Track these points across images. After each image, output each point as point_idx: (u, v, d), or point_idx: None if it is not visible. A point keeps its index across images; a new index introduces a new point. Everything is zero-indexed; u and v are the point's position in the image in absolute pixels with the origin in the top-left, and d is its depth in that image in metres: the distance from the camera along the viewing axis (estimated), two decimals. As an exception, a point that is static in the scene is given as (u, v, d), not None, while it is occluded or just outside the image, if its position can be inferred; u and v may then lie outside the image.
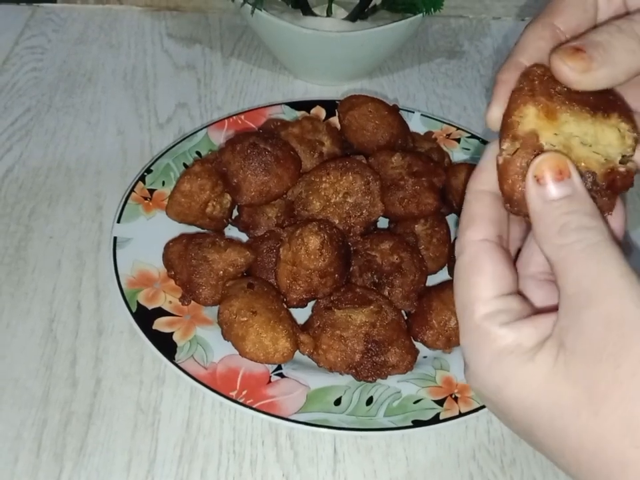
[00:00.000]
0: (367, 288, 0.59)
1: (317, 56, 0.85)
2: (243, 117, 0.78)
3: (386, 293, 0.59)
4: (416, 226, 0.64)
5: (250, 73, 0.92)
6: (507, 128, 0.33)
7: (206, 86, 0.89)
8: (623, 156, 0.33)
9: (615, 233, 0.34)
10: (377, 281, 0.60)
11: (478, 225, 0.35)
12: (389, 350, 0.54)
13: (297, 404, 0.52)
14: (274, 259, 0.60)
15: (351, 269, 0.61)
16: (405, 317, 0.59)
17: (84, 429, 0.53)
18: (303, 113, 0.79)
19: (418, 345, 0.58)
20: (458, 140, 0.78)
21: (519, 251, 0.38)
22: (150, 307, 0.58)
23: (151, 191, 0.68)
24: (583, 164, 0.33)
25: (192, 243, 0.60)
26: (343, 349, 0.54)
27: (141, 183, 0.68)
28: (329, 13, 0.89)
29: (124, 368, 0.57)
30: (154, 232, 0.64)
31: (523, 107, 0.33)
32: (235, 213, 0.68)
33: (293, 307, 0.59)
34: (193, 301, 0.59)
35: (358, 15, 0.88)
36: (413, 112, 0.80)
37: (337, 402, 0.53)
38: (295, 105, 0.80)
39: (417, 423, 0.52)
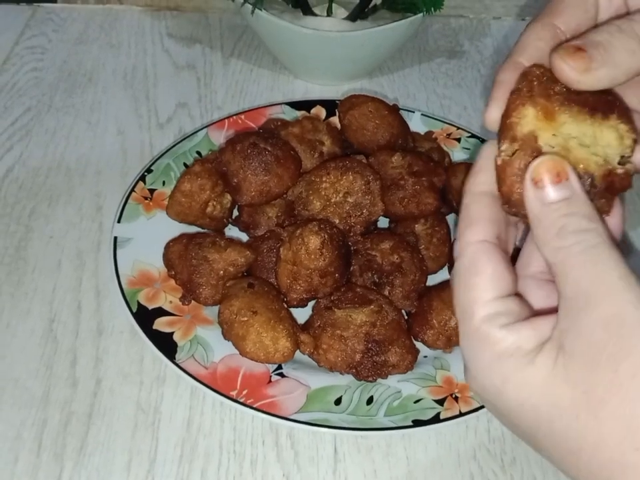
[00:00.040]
0: (367, 287, 0.59)
1: (317, 56, 0.85)
2: (243, 116, 0.78)
3: (386, 292, 0.59)
4: (416, 225, 0.64)
5: (250, 73, 0.92)
6: (505, 129, 0.33)
7: (206, 86, 0.89)
8: (622, 156, 0.33)
9: (613, 233, 0.34)
10: (377, 280, 0.60)
11: (476, 226, 0.35)
12: (390, 350, 0.54)
13: (298, 404, 0.52)
14: (274, 259, 0.60)
15: (351, 268, 0.61)
16: (406, 317, 0.59)
17: (84, 428, 0.53)
18: (303, 112, 0.79)
19: (418, 344, 0.58)
20: (458, 140, 0.78)
21: (518, 251, 0.38)
22: (150, 306, 0.58)
23: (152, 191, 0.68)
24: (581, 165, 0.32)
25: (192, 243, 0.60)
26: (343, 349, 0.54)
27: (141, 183, 0.68)
28: (329, 13, 0.89)
29: (124, 368, 0.57)
30: (154, 232, 0.64)
31: (522, 108, 0.33)
32: (235, 212, 0.68)
33: (293, 307, 0.59)
34: (193, 301, 0.59)
35: (358, 14, 0.88)
36: (413, 112, 0.80)
37: (338, 402, 0.53)
38: (295, 105, 0.80)
39: (417, 423, 0.52)
